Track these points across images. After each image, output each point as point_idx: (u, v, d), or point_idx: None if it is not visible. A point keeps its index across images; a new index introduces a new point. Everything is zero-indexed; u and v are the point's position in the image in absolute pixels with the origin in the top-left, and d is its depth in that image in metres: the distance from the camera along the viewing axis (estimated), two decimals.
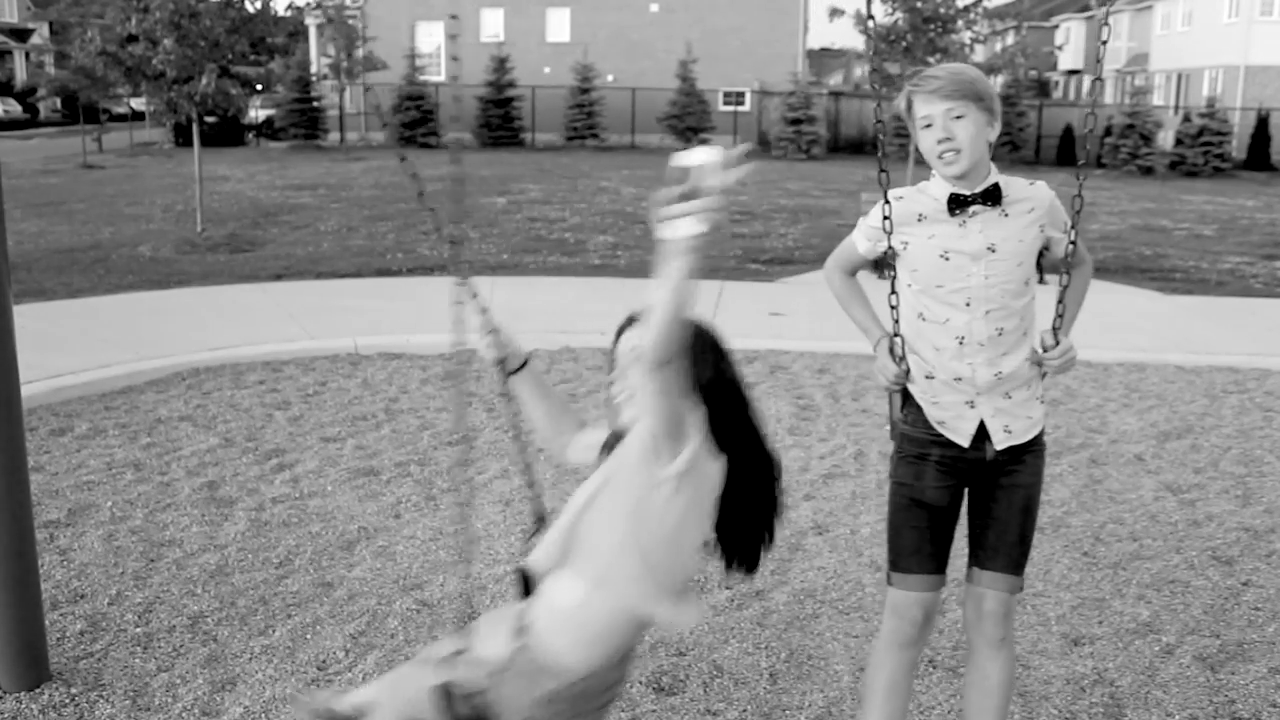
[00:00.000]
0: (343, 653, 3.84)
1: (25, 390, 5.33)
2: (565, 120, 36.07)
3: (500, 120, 35.53)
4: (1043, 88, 52.05)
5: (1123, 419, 6.97)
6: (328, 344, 8.22)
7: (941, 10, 17.00)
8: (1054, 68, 59.01)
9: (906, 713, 3.01)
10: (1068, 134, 35.90)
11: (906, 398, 2.88)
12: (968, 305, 2.74)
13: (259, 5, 14.48)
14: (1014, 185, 2.78)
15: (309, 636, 3.95)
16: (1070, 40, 57.91)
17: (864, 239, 2.94)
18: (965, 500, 2.93)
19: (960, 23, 17.36)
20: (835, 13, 20.64)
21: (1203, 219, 19.63)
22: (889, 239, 2.78)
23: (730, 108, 38.68)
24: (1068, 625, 4.18)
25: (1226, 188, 27.50)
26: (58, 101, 44.53)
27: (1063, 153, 35.59)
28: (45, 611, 3.86)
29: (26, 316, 8.27)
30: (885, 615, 2.93)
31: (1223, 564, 4.78)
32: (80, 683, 3.61)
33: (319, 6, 34.10)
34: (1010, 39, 54.87)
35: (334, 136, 36.35)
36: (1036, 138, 36.36)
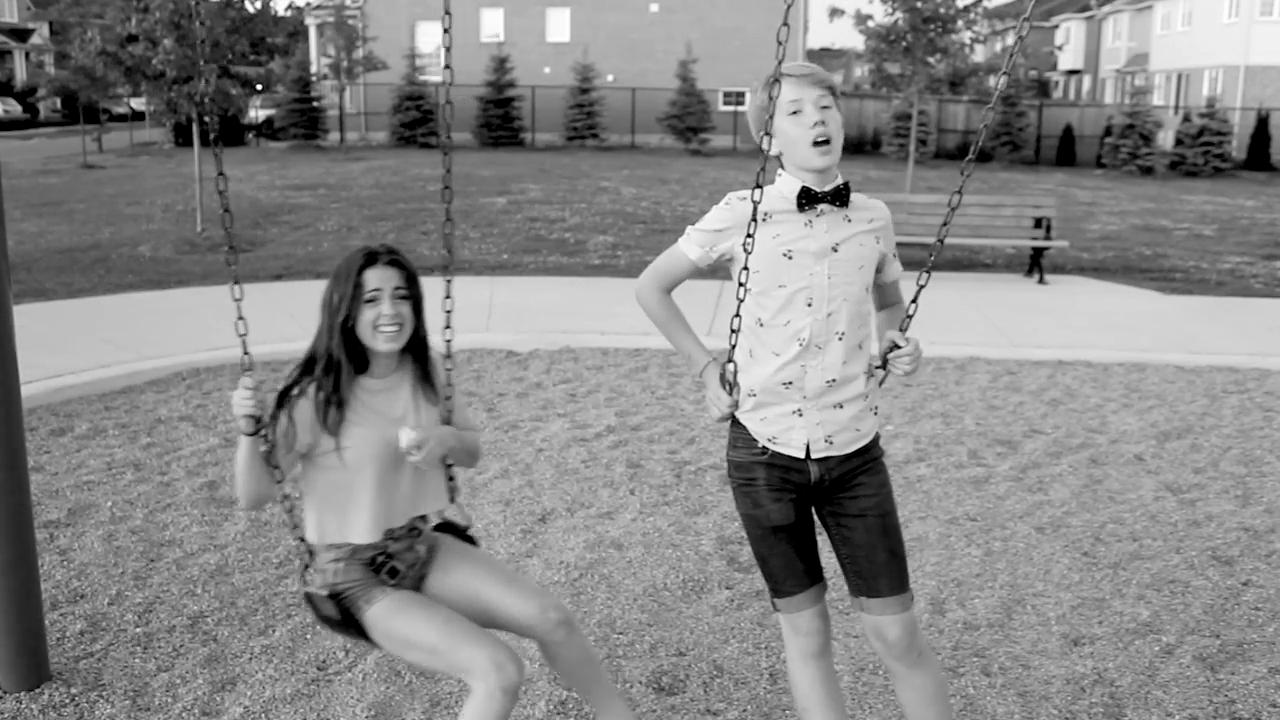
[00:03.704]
0: (342, 653, 3.84)
1: (25, 390, 5.34)
2: (565, 120, 36.08)
3: (500, 120, 35.55)
4: (1043, 88, 52.06)
5: (1123, 419, 6.97)
6: None
7: (941, 10, 17.01)
8: (1054, 68, 59.03)
9: (846, 710, 3.00)
10: (1068, 134, 35.91)
11: (732, 423, 2.82)
12: (809, 305, 2.68)
13: (259, 5, 14.49)
14: (856, 196, 2.76)
15: (309, 636, 3.95)
16: (1070, 40, 57.93)
17: (695, 246, 2.78)
18: (813, 512, 2.88)
19: (960, 23, 17.37)
20: (835, 12, 20.64)
21: (1203, 219, 19.64)
22: (749, 240, 2.66)
23: (730, 108, 38.69)
24: (1068, 625, 4.18)
25: (1226, 188, 27.51)
26: (58, 101, 44.56)
27: (1063, 153, 35.60)
28: (45, 611, 3.86)
29: (26, 316, 8.27)
30: (786, 637, 2.90)
31: (1223, 564, 4.78)
32: (80, 683, 3.62)
33: (319, 7, 34.07)
34: (1010, 39, 54.72)
35: (334, 136, 36.36)
36: (1036, 138, 36.37)
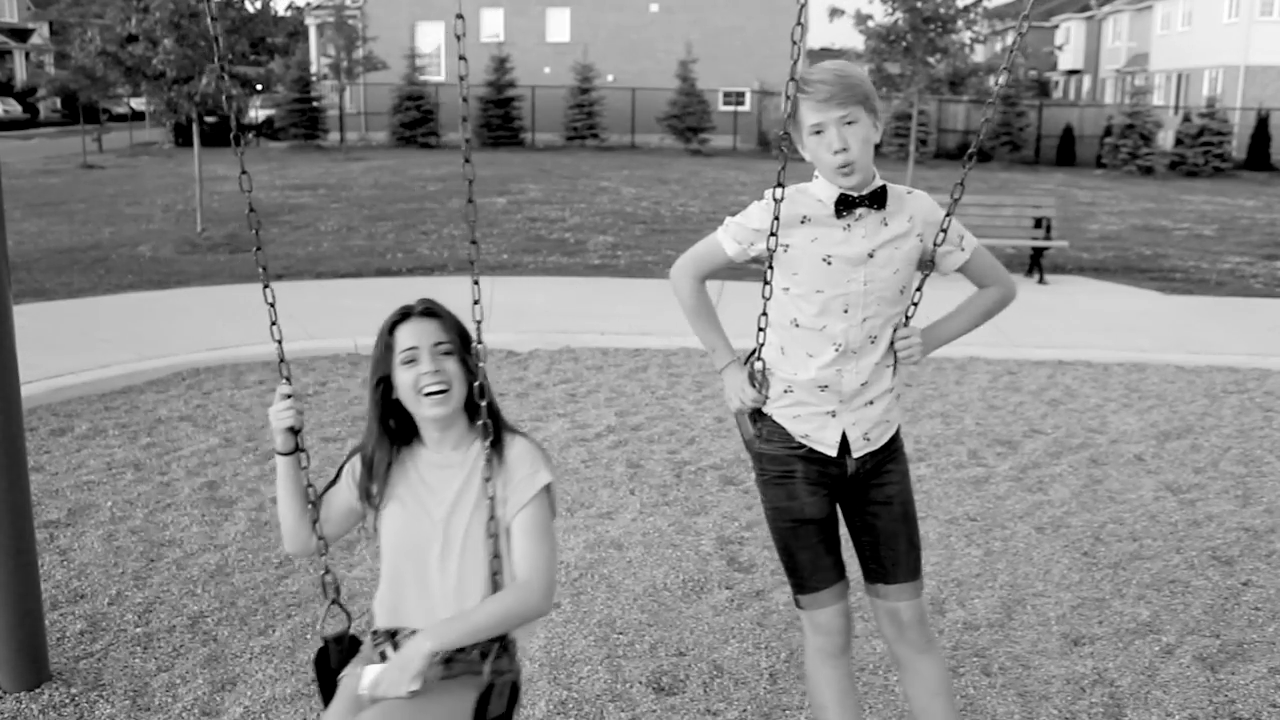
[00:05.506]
0: None
1: (25, 390, 5.34)
2: (565, 120, 36.08)
3: (500, 120, 35.56)
4: (1043, 88, 52.05)
5: (1123, 419, 6.97)
6: (328, 344, 8.22)
7: (941, 10, 17.00)
8: (1054, 68, 59.01)
9: (861, 713, 3.00)
10: (1068, 134, 35.91)
11: (759, 416, 2.80)
12: (846, 311, 2.67)
13: (259, 5, 14.50)
14: (894, 193, 2.72)
15: (309, 636, 3.95)
16: (1070, 40, 57.92)
17: (733, 241, 2.76)
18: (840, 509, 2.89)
19: (960, 23, 17.36)
20: (835, 12, 20.63)
21: (1203, 219, 19.64)
22: (773, 240, 2.65)
23: (730, 108, 38.69)
24: (1068, 625, 4.18)
25: (1226, 188, 27.51)
26: (58, 101, 44.56)
27: (1063, 153, 35.60)
28: (45, 611, 3.86)
29: (26, 316, 8.27)
30: (807, 634, 2.90)
31: (1223, 564, 4.78)
32: (80, 683, 3.62)
33: (319, 7, 34.04)
34: (1010, 39, 54.63)
35: (334, 136, 36.36)
36: (1036, 138, 36.37)
